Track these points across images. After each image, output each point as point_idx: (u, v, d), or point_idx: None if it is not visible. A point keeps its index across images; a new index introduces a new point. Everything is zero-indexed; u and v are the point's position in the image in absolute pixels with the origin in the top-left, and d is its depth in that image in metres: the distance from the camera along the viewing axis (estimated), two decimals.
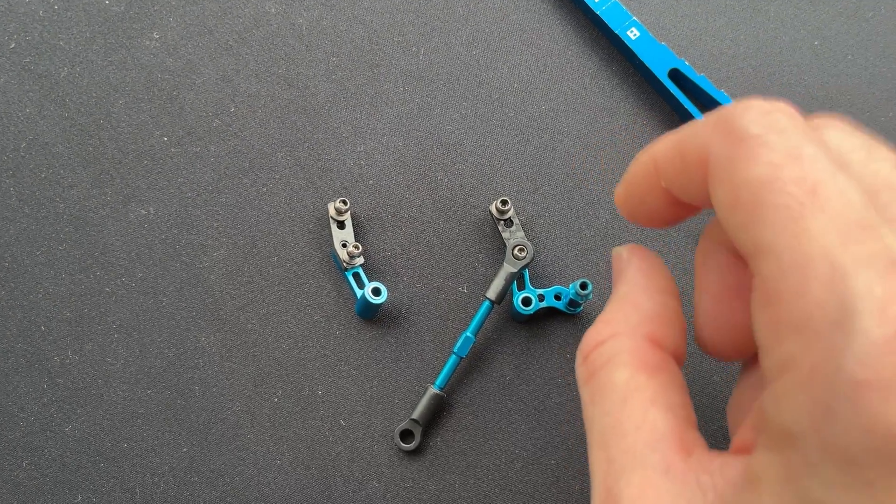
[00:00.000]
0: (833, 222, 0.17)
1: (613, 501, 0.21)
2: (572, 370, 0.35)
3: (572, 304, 0.35)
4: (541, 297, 0.35)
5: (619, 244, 0.36)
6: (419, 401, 0.34)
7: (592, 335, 0.25)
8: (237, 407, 0.35)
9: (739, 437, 0.21)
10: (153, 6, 0.38)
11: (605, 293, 0.36)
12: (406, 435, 0.35)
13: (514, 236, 0.35)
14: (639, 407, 0.22)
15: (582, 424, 0.34)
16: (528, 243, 0.35)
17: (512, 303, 0.35)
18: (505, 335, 0.36)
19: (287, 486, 0.34)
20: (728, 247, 0.24)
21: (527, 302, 0.35)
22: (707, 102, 0.37)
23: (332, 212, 0.35)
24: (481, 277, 0.36)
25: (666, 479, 0.21)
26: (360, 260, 0.35)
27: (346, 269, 0.35)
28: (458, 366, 0.35)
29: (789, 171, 0.18)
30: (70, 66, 0.37)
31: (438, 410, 0.35)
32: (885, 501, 0.16)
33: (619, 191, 0.26)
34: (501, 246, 0.36)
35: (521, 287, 0.35)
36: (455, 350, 0.34)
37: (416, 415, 0.34)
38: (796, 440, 0.17)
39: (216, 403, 0.35)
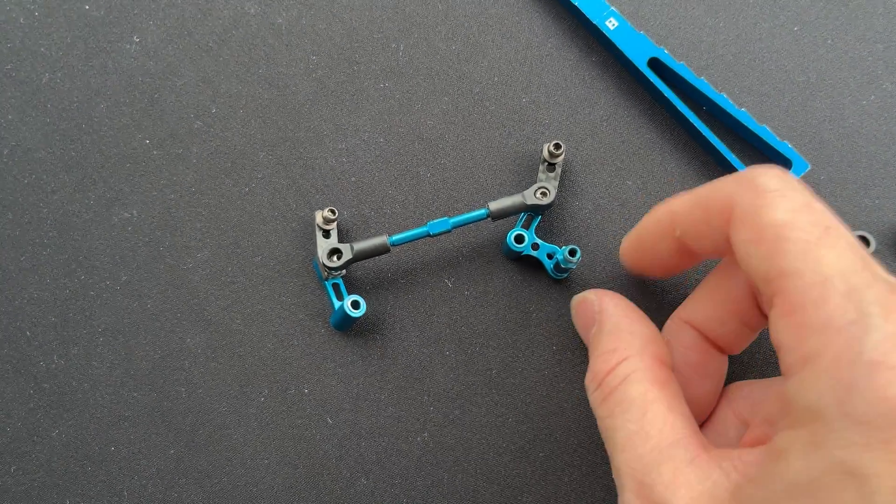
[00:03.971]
0: (843, 254, 0.22)
1: (648, 490, 0.25)
2: (559, 363, 0.35)
3: (558, 269, 0.35)
4: (534, 246, 0.35)
5: (599, 237, 0.36)
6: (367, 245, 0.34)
7: (601, 364, 0.29)
8: (223, 407, 0.35)
9: (750, 434, 0.26)
10: (133, 10, 0.38)
11: (584, 278, 0.36)
12: (334, 253, 0.34)
13: (548, 180, 0.36)
14: (659, 414, 0.27)
15: (570, 416, 0.35)
16: (554, 191, 0.35)
17: (505, 238, 0.35)
18: (490, 328, 0.35)
19: (275, 486, 0.34)
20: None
21: (520, 239, 0.35)
22: (688, 91, 0.36)
23: (319, 220, 0.35)
24: (465, 271, 0.36)
25: (692, 467, 0.25)
26: (343, 271, 0.35)
27: (326, 279, 0.35)
28: (419, 239, 0.35)
29: (805, 216, 0.23)
30: (51, 72, 0.37)
31: (374, 254, 0.34)
32: None
33: (630, 239, 0.32)
34: (487, 239, 0.36)
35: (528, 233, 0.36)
36: (428, 226, 0.34)
37: (356, 245, 0.34)
38: (821, 414, 0.21)
39: (202, 404, 0.35)
